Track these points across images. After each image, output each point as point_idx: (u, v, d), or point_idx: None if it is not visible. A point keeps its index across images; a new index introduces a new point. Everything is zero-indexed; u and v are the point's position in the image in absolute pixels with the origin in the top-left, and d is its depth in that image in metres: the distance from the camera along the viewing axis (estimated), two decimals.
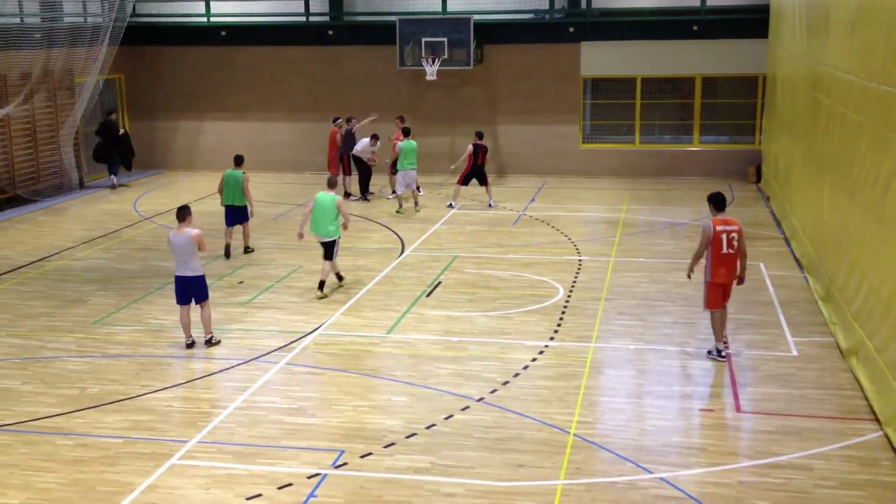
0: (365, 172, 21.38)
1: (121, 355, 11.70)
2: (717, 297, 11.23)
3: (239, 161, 16.64)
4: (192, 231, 11.62)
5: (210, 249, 13.55)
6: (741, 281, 11.40)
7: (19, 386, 10.69)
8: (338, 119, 21.94)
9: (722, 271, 11.15)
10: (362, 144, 20.96)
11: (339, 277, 14.62)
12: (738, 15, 23.34)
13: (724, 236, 11.05)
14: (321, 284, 14.02)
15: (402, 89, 24.70)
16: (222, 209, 16.64)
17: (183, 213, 11.76)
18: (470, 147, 20.32)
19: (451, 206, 20.56)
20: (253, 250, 16.71)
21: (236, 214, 16.47)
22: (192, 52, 25.62)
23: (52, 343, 12.13)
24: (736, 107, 24.26)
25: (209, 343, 11.98)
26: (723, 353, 11.33)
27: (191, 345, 11.88)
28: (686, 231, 18.38)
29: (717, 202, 11.30)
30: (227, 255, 16.34)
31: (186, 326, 11.91)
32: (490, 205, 20.47)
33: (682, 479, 8.40)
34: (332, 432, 9.46)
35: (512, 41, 24.23)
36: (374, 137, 21.06)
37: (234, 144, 23.95)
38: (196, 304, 11.86)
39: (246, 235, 16.72)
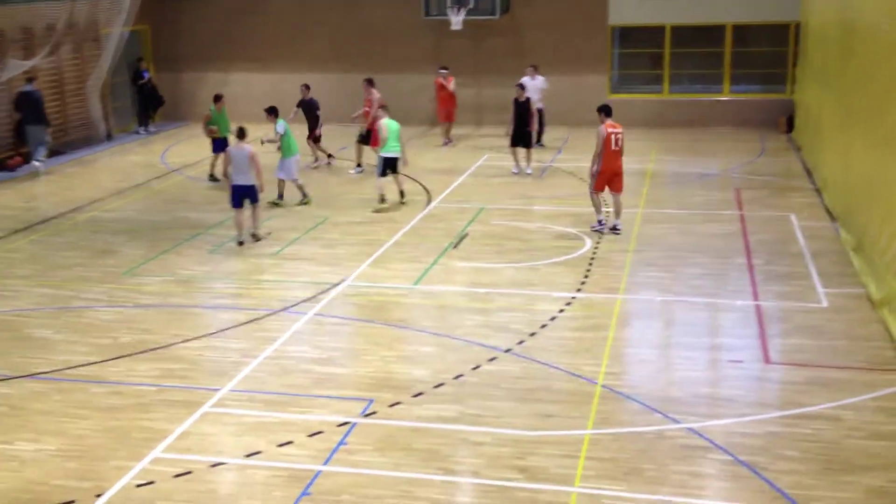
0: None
1: (151, 305, 11.83)
2: (602, 183, 14.58)
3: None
4: (249, 148, 13.98)
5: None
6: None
7: (53, 335, 10.85)
8: (443, 70, 21.91)
9: (610, 163, 14.44)
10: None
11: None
12: None
13: (612, 137, 14.39)
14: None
15: (427, 39, 24.47)
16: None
17: (242, 132, 14.21)
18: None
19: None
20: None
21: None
22: (216, 3, 25.47)
23: (84, 293, 12.27)
24: (767, 55, 23.87)
25: (255, 237, 14.22)
26: (602, 222, 14.58)
27: (241, 243, 14.08)
28: (716, 182, 18.21)
29: (606, 111, 14.67)
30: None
31: (240, 225, 14.17)
32: (527, 172, 18.88)
33: (710, 429, 8.41)
34: (361, 382, 9.54)
35: None
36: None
37: (259, 95, 23.87)
38: (250, 203, 14.13)
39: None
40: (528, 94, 19.10)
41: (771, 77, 23.86)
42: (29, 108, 19.74)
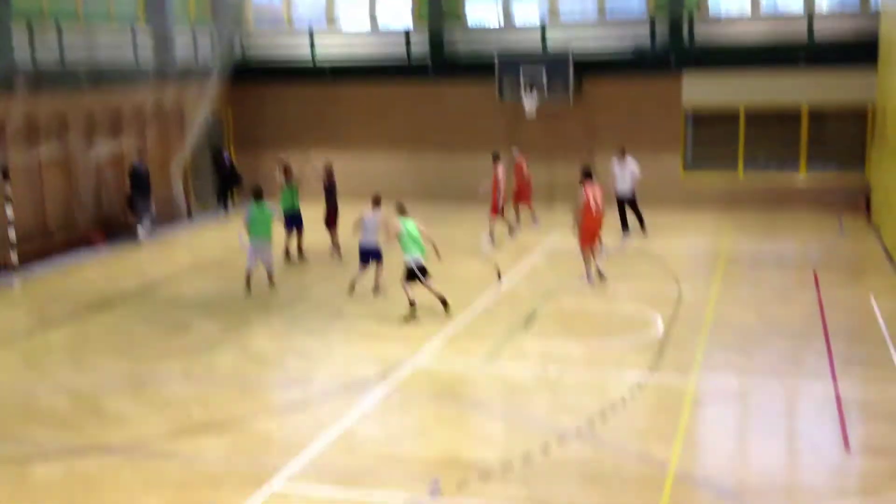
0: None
1: (225, 381, 11.99)
2: (587, 238, 16.16)
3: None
4: (380, 213, 15.59)
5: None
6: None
7: (128, 409, 11.05)
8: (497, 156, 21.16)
9: (590, 224, 16.06)
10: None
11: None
12: (845, 43, 22.73)
13: (591, 196, 16.08)
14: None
15: (501, 122, 24.81)
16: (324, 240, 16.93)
17: (378, 199, 15.90)
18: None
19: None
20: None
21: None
22: (296, 90, 26.27)
23: (160, 368, 12.52)
24: (844, 136, 23.55)
25: (377, 291, 15.85)
26: (590, 278, 16.11)
27: (376, 289, 15.91)
28: (793, 263, 17.87)
29: (587, 174, 16.38)
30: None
31: (361, 279, 16.01)
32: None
33: None
34: (428, 461, 9.47)
35: (611, 74, 24.10)
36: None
37: (338, 176, 24.40)
38: (374, 263, 15.80)
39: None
40: (617, 182, 19.47)
41: (848, 158, 23.49)
42: (137, 181, 21.27)
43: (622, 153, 20.68)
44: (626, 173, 20.46)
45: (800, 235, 20.34)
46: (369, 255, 15.82)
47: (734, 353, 12.58)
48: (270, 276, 16.62)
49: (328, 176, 19.16)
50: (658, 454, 9.44)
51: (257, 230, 16.47)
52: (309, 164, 18.87)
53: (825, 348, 12.64)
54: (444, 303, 14.51)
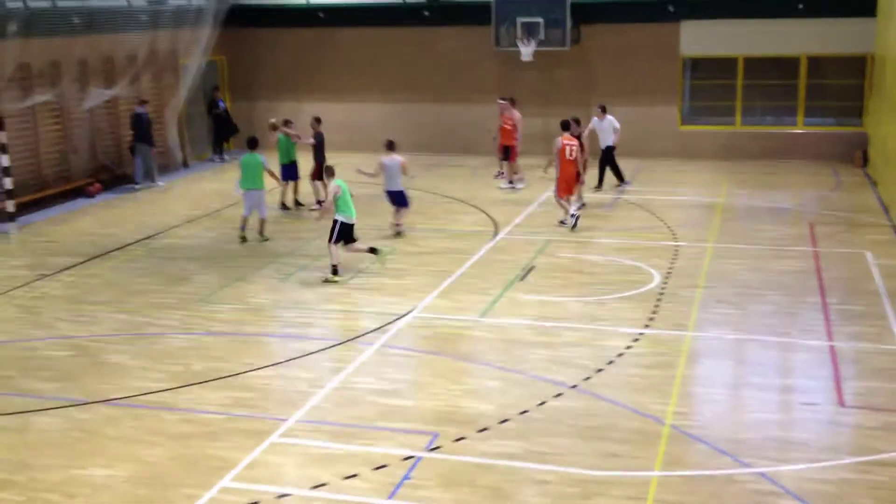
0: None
1: (223, 333, 12.05)
2: (564, 188, 16.96)
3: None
4: (399, 157, 16.32)
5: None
6: (579, 177, 17.43)
7: (128, 361, 11.12)
8: (503, 100, 21.41)
9: (567, 170, 16.81)
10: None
11: None
12: None
13: (567, 148, 16.83)
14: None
15: (496, 70, 24.61)
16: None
17: (392, 144, 16.63)
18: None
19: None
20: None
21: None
22: (291, 34, 26.00)
23: (158, 320, 12.56)
24: (841, 87, 23.45)
25: (398, 234, 16.45)
26: (564, 223, 16.87)
27: (399, 232, 16.52)
28: (789, 216, 17.90)
29: (564, 125, 17.20)
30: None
31: (398, 219, 16.58)
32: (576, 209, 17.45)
33: (781, 474, 8.24)
34: (426, 415, 9.57)
35: (609, 20, 23.87)
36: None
37: (330, 125, 24.19)
38: (399, 209, 16.56)
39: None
40: (600, 138, 19.60)
41: (845, 109, 23.43)
42: (138, 128, 21.25)
43: (602, 110, 20.48)
44: (607, 128, 20.17)
45: (796, 188, 20.34)
46: (396, 198, 16.52)
47: (730, 308, 12.65)
48: (262, 227, 16.55)
49: (315, 129, 18.84)
50: (654, 408, 9.55)
51: (250, 180, 16.36)
52: (293, 133, 18.49)
53: (821, 303, 12.72)
54: (374, 251, 14.40)
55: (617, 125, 20.21)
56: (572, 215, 16.75)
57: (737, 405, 9.87)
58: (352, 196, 14.42)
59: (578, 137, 17.91)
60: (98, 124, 21.29)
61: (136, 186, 21.26)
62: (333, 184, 14.32)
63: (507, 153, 20.76)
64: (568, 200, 17.10)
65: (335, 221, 14.15)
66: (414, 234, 16.85)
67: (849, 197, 19.30)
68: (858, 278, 13.73)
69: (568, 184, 16.99)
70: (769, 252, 15.26)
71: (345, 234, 14.20)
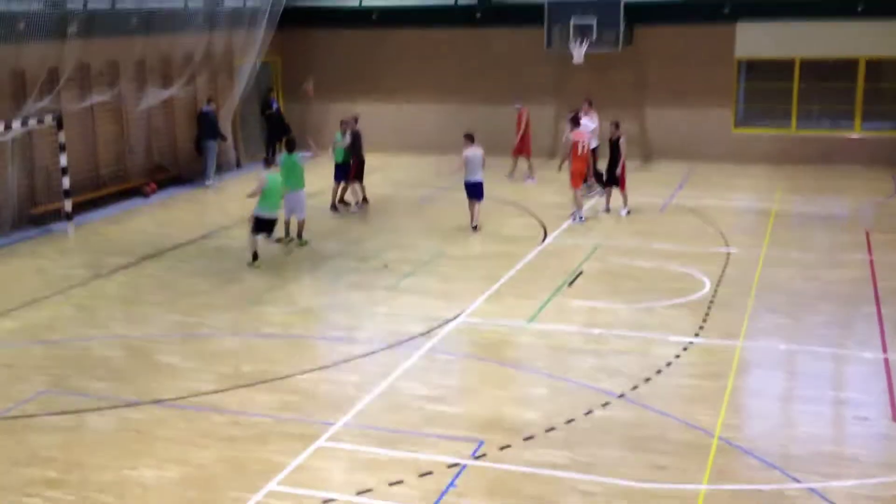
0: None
1: (272, 335, 12.18)
2: (578, 181, 17.63)
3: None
4: (480, 149, 17.05)
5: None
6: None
7: (179, 362, 11.30)
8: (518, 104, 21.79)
9: (579, 165, 17.57)
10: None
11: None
12: None
13: (579, 144, 17.63)
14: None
15: (548, 71, 24.51)
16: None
17: (472, 137, 17.14)
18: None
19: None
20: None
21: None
22: (344, 35, 26.18)
23: (209, 321, 12.74)
24: None
25: (475, 228, 17.01)
26: (581, 217, 17.59)
27: (476, 228, 17.05)
28: (844, 223, 17.58)
29: (575, 121, 18.18)
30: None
31: (475, 215, 17.06)
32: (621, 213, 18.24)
33: (832, 490, 8.10)
34: (472, 422, 9.57)
35: (663, 22, 23.63)
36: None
37: (383, 126, 24.42)
38: (477, 200, 17.06)
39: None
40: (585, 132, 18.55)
41: None
42: (205, 125, 21.94)
43: (589, 104, 20.38)
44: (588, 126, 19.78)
45: (853, 194, 19.97)
46: (476, 190, 17.04)
47: (782, 317, 12.47)
48: (300, 229, 16.31)
49: (352, 127, 18.90)
50: (703, 420, 9.45)
51: (288, 182, 15.94)
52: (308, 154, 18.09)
53: (875, 314, 12.48)
54: (282, 240, 15.61)
55: (591, 125, 19.72)
56: (579, 216, 17.64)
57: (787, 418, 9.72)
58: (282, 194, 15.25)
59: (617, 140, 17.97)
60: (154, 124, 21.65)
61: (207, 182, 21.81)
62: (263, 175, 15.10)
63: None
64: (580, 196, 17.84)
65: (253, 216, 15.01)
66: (462, 236, 16.87)
67: None
68: None
69: (580, 174, 17.71)
70: (823, 260, 15.01)
71: (262, 227, 15.01)
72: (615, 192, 18.31)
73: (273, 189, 14.94)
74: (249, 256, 15.11)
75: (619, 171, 18.04)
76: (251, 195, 15.16)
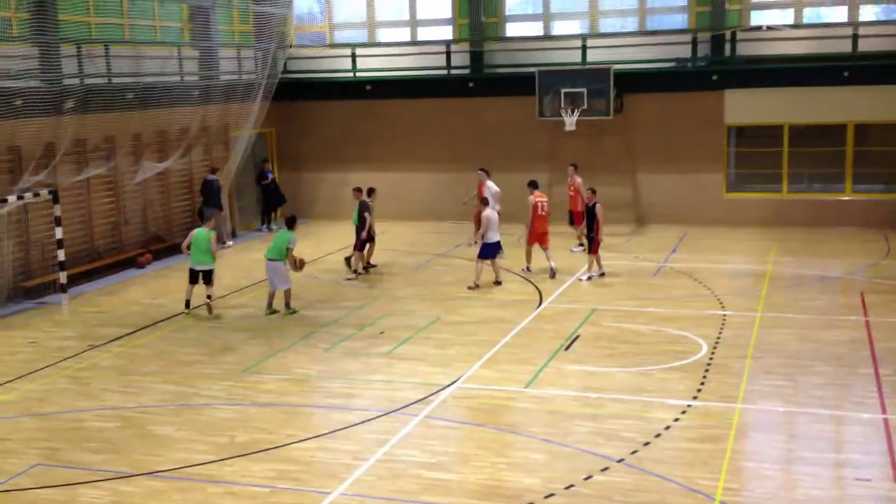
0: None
1: (268, 404, 12.09)
2: (533, 240, 18.80)
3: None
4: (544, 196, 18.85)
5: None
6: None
7: (174, 432, 11.19)
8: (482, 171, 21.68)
9: (537, 225, 18.66)
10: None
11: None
12: (890, 60, 22.43)
13: (539, 204, 18.69)
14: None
15: (541, 139, 24.80)
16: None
17: (486, 200, 18.60)
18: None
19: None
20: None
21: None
22: (338, 106, 26.51)
23: (204, 390, 12.65)
24: (891, 154, 23.22)
25: (498, 283, 17.99)
26: (529, 269, 18.95)
27: (498, 283, 18.02)
28: (839, 285, 17.63)
29: (534, 185, 19.21)
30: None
31: (497, 272, 18.17)
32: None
33: None
34: (470, 489, 9.46)
35: (653, 89, 24.00)
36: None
37: (378, 194, 24.51)
38: (494, 258, 18.12)
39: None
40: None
41: (894, 176, 23.14)
42: (209, 193, 22.34)
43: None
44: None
45: (846, 256, 20.06)
46: (497, 250, 18.13)
47: (780, 379, 12.43)
48: (287, 298, 16.48)
49: (358, 198, 19.31)
50: (703, 484, 9.35)
51: (272, 251, 16.47)
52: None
53: (873, 374, 12.45)
54: (208, 305, 16.63)
55: (494, 189, 20.05)
56: (550, 275, 18.44)
57: (788, 481, 9.63)
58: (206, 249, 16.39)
59: (593, 207, 18.23)
60: (150, 195, 21.77)
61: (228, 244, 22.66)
62: (193, 232, 16.64)
63: (572, 218, 21.07)
64: (541, 249, 18.79)
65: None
66: (457, 302, 16.88)
67: None
68: None
69: (539, 236, 18.75)
70: (819, 321, 15.01)
71: (192, 277, 16.69)
72: (590, 255, 18.47)
73: (196, 242, 16.49)
74: (185, 305, 16.66)
75: (593, 235, 18.18)
76: (182, 247, 17.00)
